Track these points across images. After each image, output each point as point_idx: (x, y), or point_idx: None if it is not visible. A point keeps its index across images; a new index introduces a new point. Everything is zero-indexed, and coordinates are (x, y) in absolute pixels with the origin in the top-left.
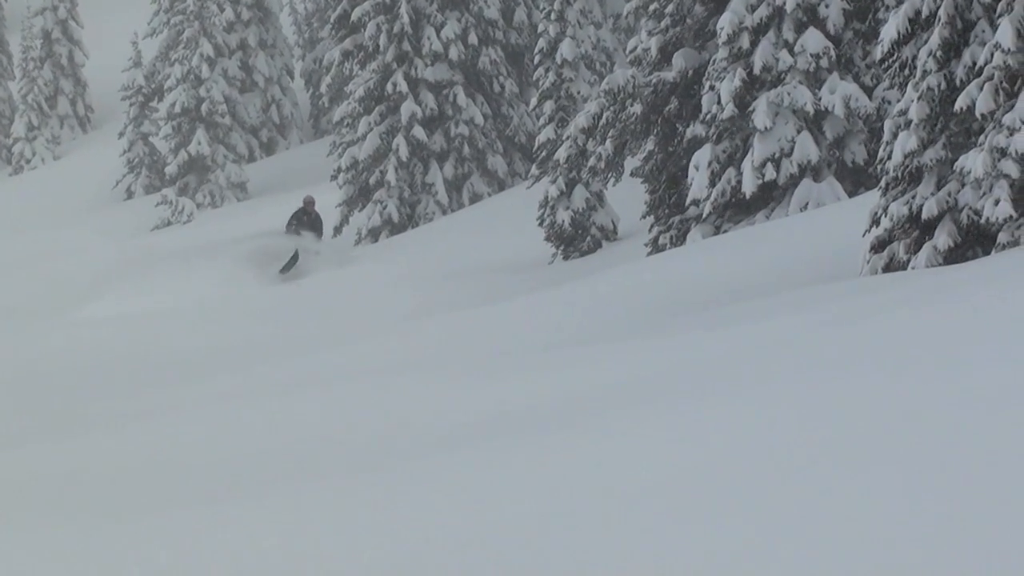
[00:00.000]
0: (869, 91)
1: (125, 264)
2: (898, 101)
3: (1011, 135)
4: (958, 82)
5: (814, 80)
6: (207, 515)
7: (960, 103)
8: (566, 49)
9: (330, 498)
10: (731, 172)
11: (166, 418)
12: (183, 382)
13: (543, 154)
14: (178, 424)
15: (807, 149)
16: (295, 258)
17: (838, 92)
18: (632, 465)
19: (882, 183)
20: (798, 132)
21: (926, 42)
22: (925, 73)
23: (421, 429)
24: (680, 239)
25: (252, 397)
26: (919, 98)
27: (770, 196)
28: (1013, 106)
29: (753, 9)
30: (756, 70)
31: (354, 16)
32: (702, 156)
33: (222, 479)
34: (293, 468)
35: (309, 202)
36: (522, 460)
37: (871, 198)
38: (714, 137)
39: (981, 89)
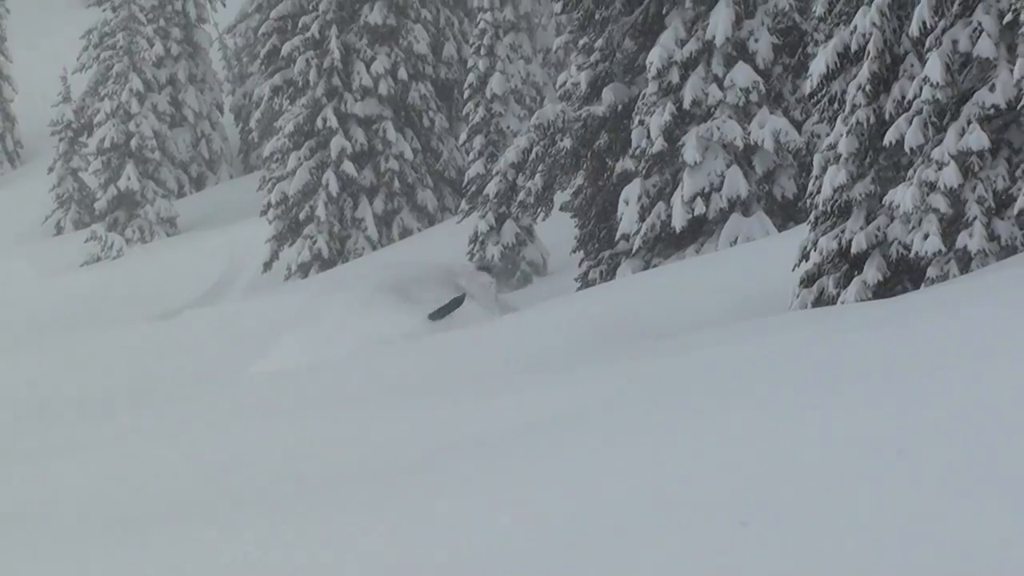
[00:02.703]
0: (799, 125)
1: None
2: (827, 135)
3: (940, 169)
4: (887, 116)
5: (744, 114)
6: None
7: (889, 137)
8: (496, 84)
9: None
10: (661, 207)
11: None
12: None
13: (473, 189)
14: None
15: (737, 183)
16: (457, 302)
17: (767, 126)
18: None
19: (811, 217)
20: (728, 166)
21: (855, 76)
22: (854, 107)
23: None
24: (610, 274)
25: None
26: (848, 132)
27: (700, 231)
28: (942, 140)
29: (683, 44)
30: (686, 104)
31: (284, 51)
32: (632, 191)
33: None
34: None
35: None
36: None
37: (801, 232)
38: (644, 172)
39: (910, 123)
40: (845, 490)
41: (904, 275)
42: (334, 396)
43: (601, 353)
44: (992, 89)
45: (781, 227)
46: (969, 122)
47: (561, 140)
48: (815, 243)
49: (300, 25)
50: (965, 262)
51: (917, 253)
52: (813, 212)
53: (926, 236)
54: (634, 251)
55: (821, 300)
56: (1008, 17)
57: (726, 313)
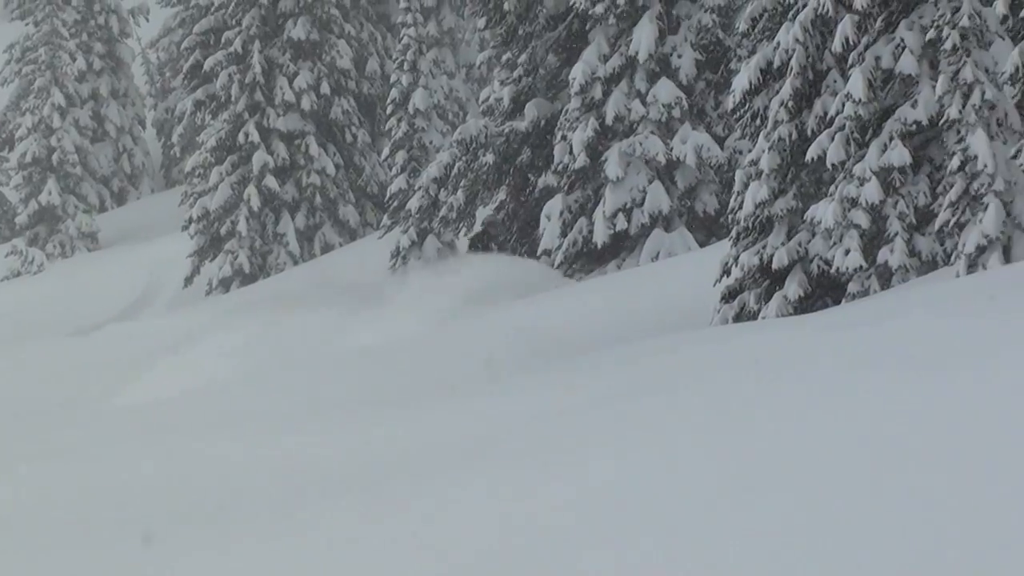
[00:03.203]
0: (721, 141)
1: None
2: (749, 151)
3: (862, 185)
4: (809, 132)
5: (666, 130)
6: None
7: (811, 153)
8: (418, 99)
9: None
10: (583, 222)
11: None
12: None
13: (395, 204)
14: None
15: (658, 199)
16: None
17: (690, 142)
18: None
19: (733, 233)
20: (650, 182)
21: (778, 92)
22: (776, 123)
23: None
24: None
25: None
26: (770, 148)
27: (621, 246)
28: (864, 156)
29: (606, 59)
30: (608, 120)
31: (206, 66)
32: (554, 206)
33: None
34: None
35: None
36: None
37: (722, 248)
38: (566, 187)
39: (832, 139)
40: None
41: (825, 291)
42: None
43: (502, 380)
44: (914, 105)
45: (703, 243)
46: (891, 138)
47: (483, 155)
48: (736, 259)
49: (223, 40)
50: (886, 278)
51: (838, 268)
52: (735, 228)
53: (847, 252)
54: (556, 266)
55: (742, 315)
56: (931, 34)
57: (647, 328)
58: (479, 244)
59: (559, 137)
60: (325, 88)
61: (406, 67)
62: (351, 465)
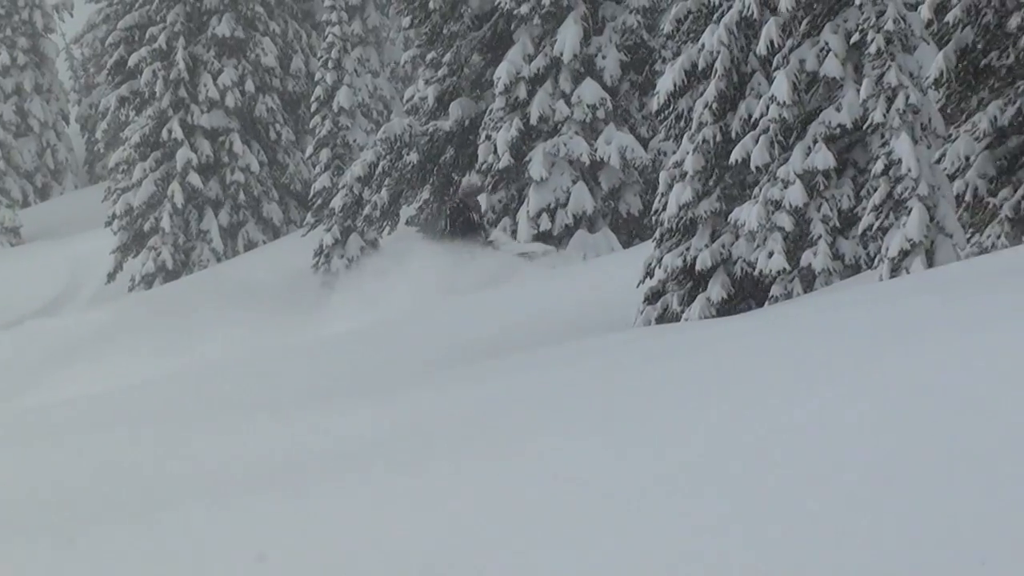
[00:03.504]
0: (645, 142)
1: None
2: (674, 153)
3: (785, 188)
4: (734, 134)
5: (590, 131)
6: None
7: (735, 155)
8: (343, 97)
9: None
10: (506, 222)
11: None
12: None
13: (319, 202)
14: None
15: (582, 199)
16: None
17: (614, 143)
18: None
19: (657, 234)
20: (574, 182)
21: (702, 94)
22: (701, 125)
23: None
24: None
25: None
26: (695, 150)
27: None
28: (788, 159)
29: (530, 59)
30: (533, 120)
31: (131, 62)
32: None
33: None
34: None
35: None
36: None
37: (646, 249)
38: (490, 187)
39: (756, 142)
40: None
41: (748, 293)
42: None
43: (428, 376)
44: (838, 109)
45: (626, 243)
46: (815, 141)
47: (408, 154)
48: (660, 260)
49: (147, 36)
50: (809, 280)
51: (762, 271)
52: (658, 229)
53: (771, 254)
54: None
55: (665, 317)
56: (855, 37)
57: (568, 331)
58: (456, 218)
59: (483, 137)
60: (249, 85)
61: (331, 65)
62: (264, 465)
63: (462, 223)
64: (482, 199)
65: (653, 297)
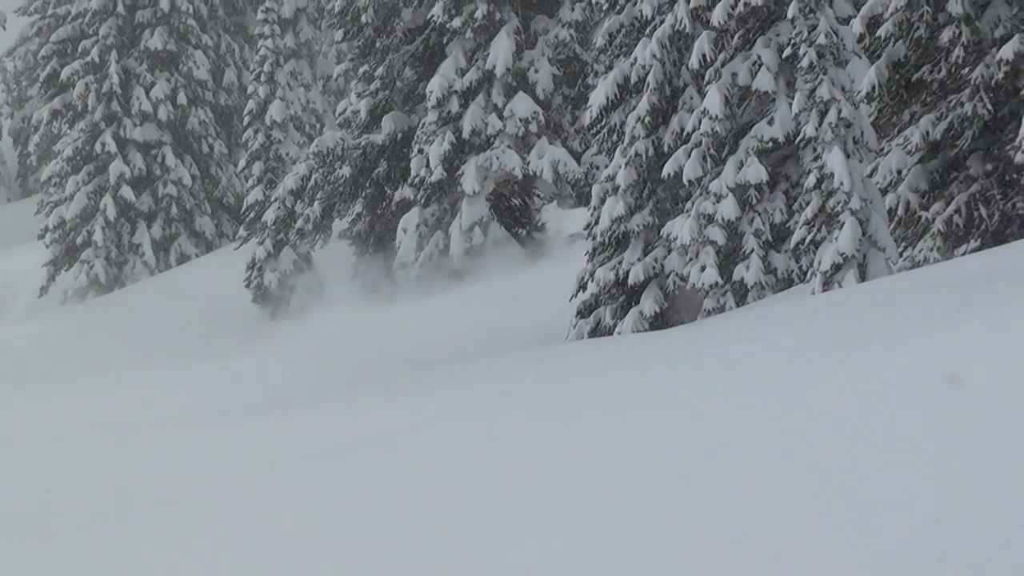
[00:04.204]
0: (578, 156)
1: None
2: (606, 166)
3: (718, 201)
4: (666, 148)
5: (523, 144)
6: None
7: (668, 169)
8: (276, 111)
9: None
10: (439, 235)
11: None
12: None
13: (251, 215)
14: None
15: None
16: None
17: (547, 157)
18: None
19: (589, 248)
20: None
21: (634, 108)
22: (633, 139)
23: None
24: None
25: None
26: (627, 164)
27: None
28: (720, 172)
29: (463, 73)
30: (465, 134)
31: (63, 75)
32: (410, 219)
33: None
34: None
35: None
36: None
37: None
38: (422, 200)
39: (689, 155)
40: None
41: (681, 307)
42: None
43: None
44: (771, 122)
45: None
46: (747, 155)
47: (340, 168)
48: (592, 274)
49: (80, 49)
50: (742, 294)
51: (694, 285)
52: (591, 243)
53: (703, 268)
54: (412, 279)
55: (598, 330)
56: (787, 51)
57: (499, 343)
58: (500, 207)
59: (416, 150)
60: (182, 99)
61: (263, 79)
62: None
63: (506, 211)
64: (413, 213)
65: (586, 311)
